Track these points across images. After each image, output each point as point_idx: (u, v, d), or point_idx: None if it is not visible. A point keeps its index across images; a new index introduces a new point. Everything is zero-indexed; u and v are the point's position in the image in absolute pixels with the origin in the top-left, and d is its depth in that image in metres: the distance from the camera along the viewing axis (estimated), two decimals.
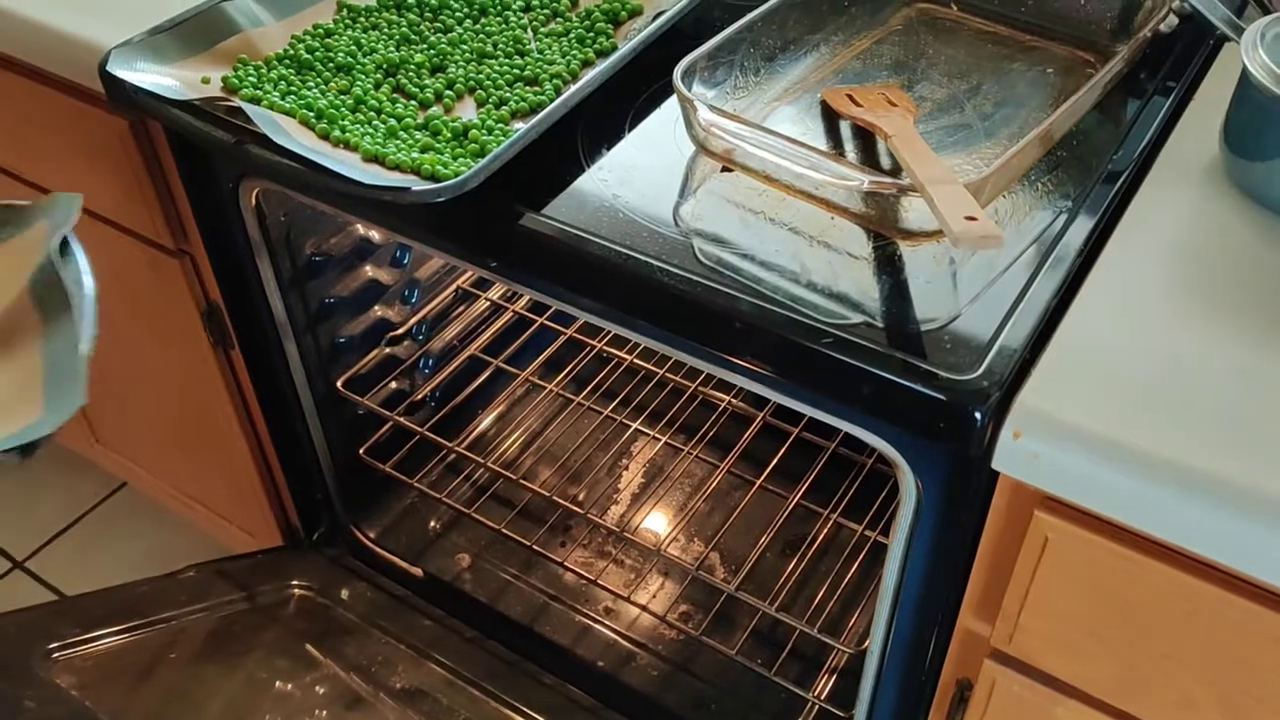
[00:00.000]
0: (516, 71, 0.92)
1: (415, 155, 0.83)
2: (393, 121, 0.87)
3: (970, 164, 0.80)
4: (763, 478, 1.21)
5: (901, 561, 0.81)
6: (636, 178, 0.82)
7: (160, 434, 1.42)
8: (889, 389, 0.66)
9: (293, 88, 0.91)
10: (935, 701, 0.88)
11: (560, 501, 1.19)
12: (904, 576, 0.82)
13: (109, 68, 0.88)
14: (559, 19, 0.99)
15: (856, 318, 0.70)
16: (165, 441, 1.43)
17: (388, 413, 1.26)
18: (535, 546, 1.20)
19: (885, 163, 0.80)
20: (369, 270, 1.25)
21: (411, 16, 1.00)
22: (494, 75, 0.92)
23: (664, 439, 1.32)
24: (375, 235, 1.23)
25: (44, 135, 1.11)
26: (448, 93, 0.91)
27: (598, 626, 1.18)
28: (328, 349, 1.22)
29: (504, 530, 1.21)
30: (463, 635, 1.18)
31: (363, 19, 0.99)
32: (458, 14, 1.00)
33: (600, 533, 1.25)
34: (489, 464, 1.26)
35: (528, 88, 0.91)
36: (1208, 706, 0.69)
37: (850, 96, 0.83)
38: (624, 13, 0.97)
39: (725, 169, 0.80)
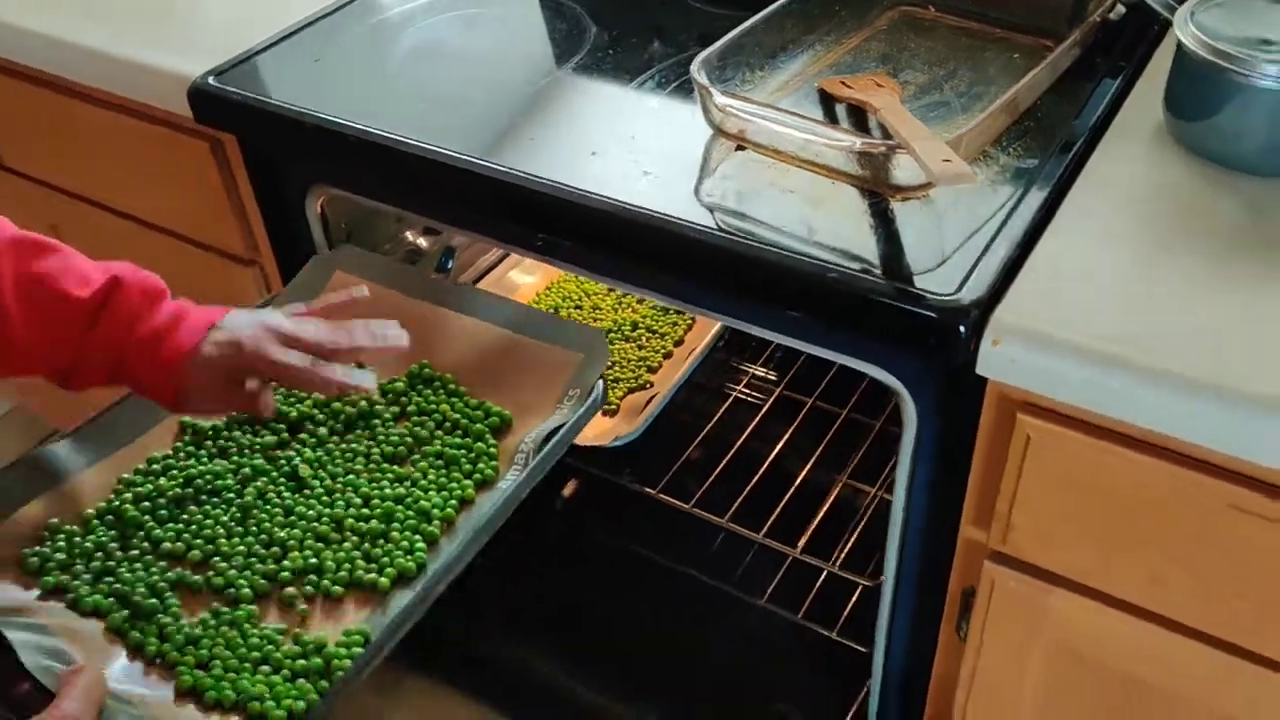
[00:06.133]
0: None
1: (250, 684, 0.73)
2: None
3: (950, 134, 0.93)
4: (783, 441, 1.33)
5: (908, 484, 0.92)
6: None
7: None
8: (886, 313, 0.78)
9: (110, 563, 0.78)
10: (944, 615, 0.99)
11: (589, 470, 1.31)
12: (911, 498, 0.93)
13: None
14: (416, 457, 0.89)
15: (857, 265, 0.83)
16: None
17: None
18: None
19: (876, 136, 0.93)
20: None
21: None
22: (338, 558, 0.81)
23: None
24: (423, 243, 1.36)
25: (127, 165, 1.25)
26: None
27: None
28: None
29: None
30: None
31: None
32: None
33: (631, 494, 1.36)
34: None
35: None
36: (1178, 581, 0.80)
37: (843, 82, 0.96)
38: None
39: (739, 148, 0.93)
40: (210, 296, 1.33)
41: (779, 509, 1.27)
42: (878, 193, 0.87)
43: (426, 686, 1.22)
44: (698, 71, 0.91)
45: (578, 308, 1.44)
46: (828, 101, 0.98)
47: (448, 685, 1.23)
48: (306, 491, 0.85)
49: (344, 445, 0.89)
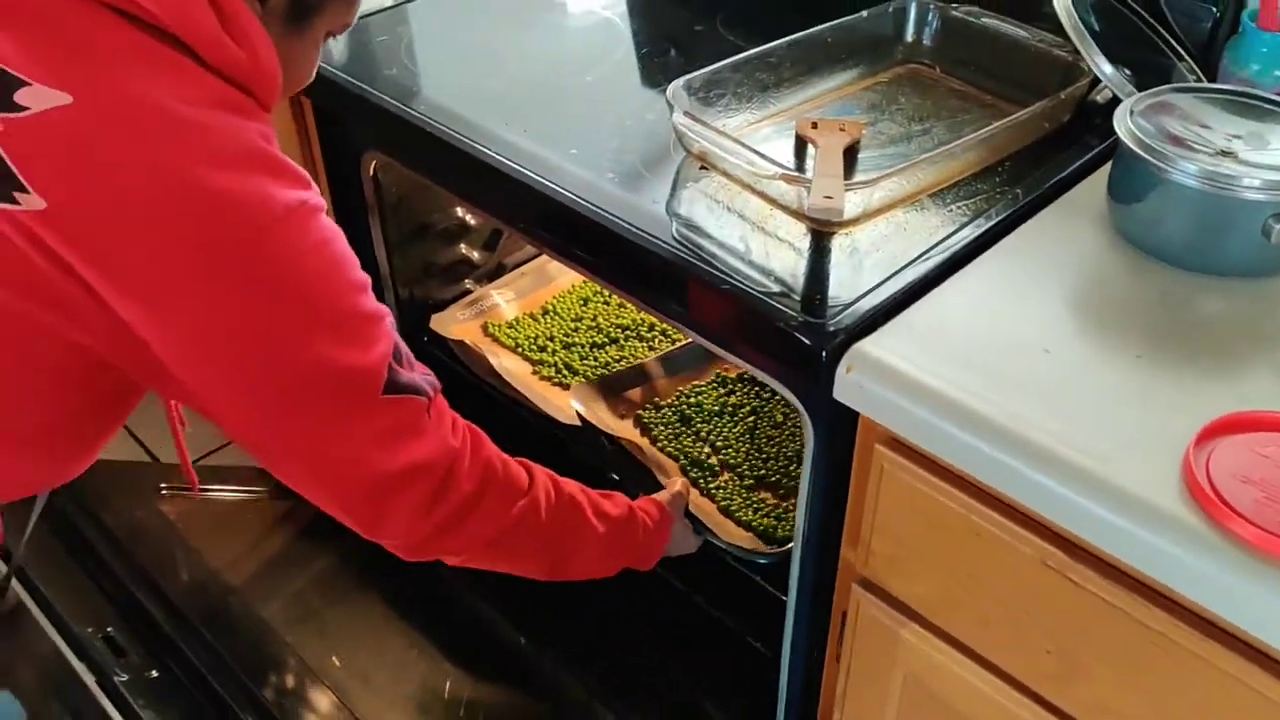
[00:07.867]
0: None
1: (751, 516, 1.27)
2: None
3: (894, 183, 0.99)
4: None
5: (808, 499, 0.98)
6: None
7: None
8: (768, 330, 0.86)
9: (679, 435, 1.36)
10: (830, 635, 1.04)
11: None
12: (810, 514, 0.99)
13: None
14: None
15: (772, 286, 0.90)
16: None
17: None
18: None
19: None
20: (463, 248, 1.50)
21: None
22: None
23: None
24: (472, 220, 1.49)
25: None
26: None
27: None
28: (422, 306, 1.48)
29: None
30: None
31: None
32: None
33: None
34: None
35: None
36: (1000, 627, 0.84)
37: (813, 123, 1.03)
38: None
39: (703, 168, 1.01)
40: None
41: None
42: (812, 226, 0.94)
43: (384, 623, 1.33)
44: (671, 92, 0.99)
45: (605, 303, 1.54)
46: (802, 140, 1.05)
47: (404, 622, 1.33)
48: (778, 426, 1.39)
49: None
